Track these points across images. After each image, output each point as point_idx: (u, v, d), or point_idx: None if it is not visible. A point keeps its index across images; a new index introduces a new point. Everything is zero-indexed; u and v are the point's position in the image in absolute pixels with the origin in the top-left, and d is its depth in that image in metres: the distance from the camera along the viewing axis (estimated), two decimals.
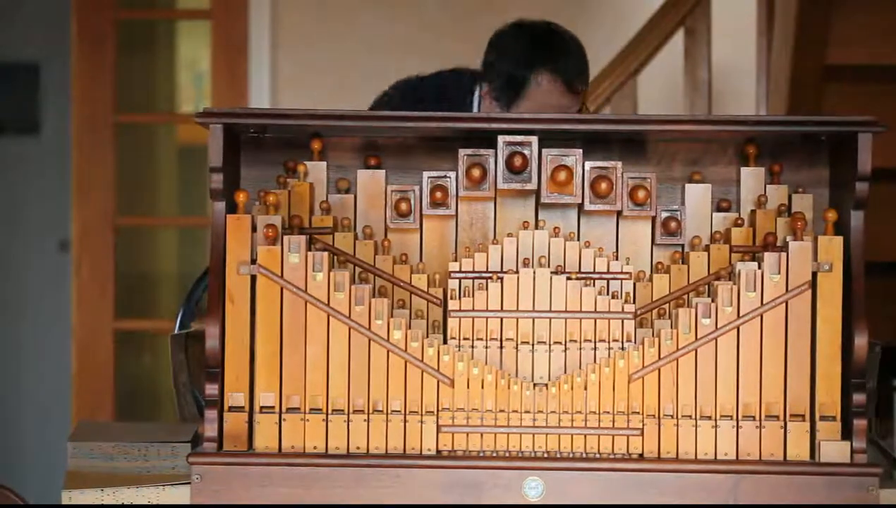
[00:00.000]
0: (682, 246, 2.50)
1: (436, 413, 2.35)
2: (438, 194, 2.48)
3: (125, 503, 2.35)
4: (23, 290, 6.89)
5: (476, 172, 2.45)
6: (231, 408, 2.37)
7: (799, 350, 2.36)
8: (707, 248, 2.47)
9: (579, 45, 3.46)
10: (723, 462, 2.34)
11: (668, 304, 2.44)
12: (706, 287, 2.43)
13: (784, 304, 2.35)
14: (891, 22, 4.31)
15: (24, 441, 6.83)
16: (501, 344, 2.37)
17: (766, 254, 2.36)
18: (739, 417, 2.35)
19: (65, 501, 2.35)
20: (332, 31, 5.53)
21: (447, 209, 2.50)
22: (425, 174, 2.50)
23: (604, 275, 2.40)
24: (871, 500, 2.31)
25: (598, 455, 2.34)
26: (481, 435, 2.35)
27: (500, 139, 2.44)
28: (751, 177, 2.53)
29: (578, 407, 2.35)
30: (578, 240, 2.45)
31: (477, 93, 3.56)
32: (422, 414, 2.35)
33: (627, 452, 2.35)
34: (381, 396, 2.36)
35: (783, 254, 2.35)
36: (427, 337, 2.37)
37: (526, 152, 2.44)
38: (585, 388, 2.34)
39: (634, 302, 2.39)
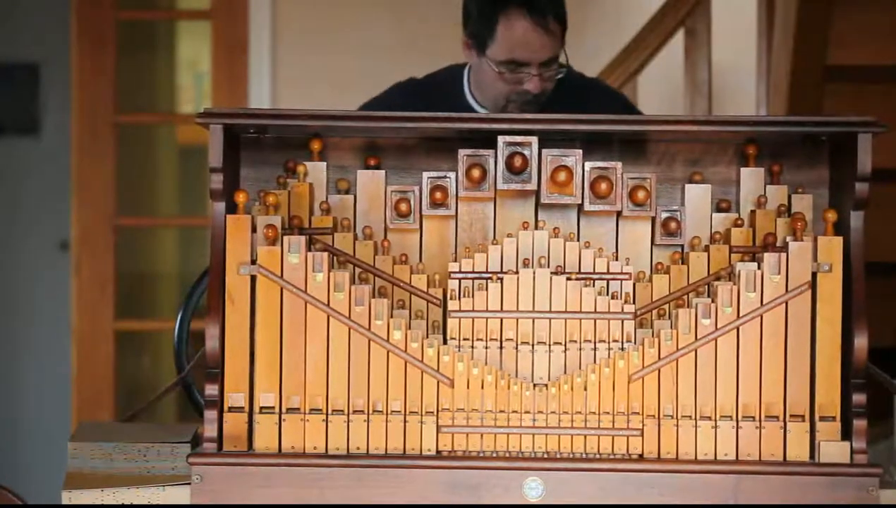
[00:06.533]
0: (682, 246, 2.50)
1: (436, 413, 2.35)
2: (438, 194, 2.48)
3: (125, 503, 2.35)
4: (23, 290, 6.88)
5: (476, 172, 2.45)
6: (231, 409, 2.37)
7: (799, 350, 2.36)
8: (707, 249, 2.47)
9: None
10: (723, 462, 2.34)
11: (667, 305, 2.43)
12: (706, 287, 2.43)
13: (784, 305, 2.35)
14: (891, 22, 4.30)
15: (24, 441, 6.83)
16: (501, 344, 2.37)
17: (765, 254, 2.36)
18: (739, 417, 2.35)
19: (65, 501, 2.35)
20: (333, 31, 5.53)
21: (447, 209, 2.49)
22: (425, 174, 2.50)
23: (604, 276, 2.40)
24: (871, 500, 2.31)
25: (598, 456, 2.34)
26: (481, 436, 2.35)
27: (500, 139, 2.43)
28: (751, 178, 2.52)
29: (578, 408, 2.35)
30: (578, 240, 2.45)
31: (466, 70, 3.55)
32: (422, 415, 2.35)
33: (627, 452, 2.35)
34: (380, 396, 2.36)
35: (783, 255, 2.35)
36: (427, 337, 2.37)
37: (526, 152, 2.44)
38: (585, 389, 2.34)
39: (634, 303, 2.39)
